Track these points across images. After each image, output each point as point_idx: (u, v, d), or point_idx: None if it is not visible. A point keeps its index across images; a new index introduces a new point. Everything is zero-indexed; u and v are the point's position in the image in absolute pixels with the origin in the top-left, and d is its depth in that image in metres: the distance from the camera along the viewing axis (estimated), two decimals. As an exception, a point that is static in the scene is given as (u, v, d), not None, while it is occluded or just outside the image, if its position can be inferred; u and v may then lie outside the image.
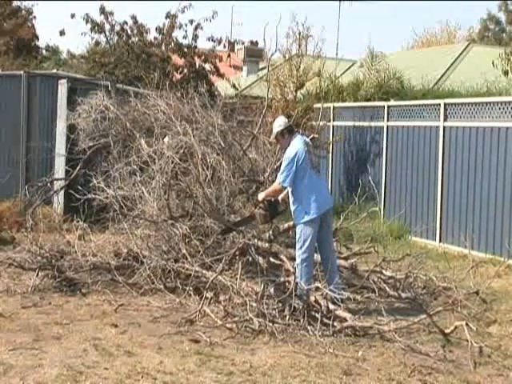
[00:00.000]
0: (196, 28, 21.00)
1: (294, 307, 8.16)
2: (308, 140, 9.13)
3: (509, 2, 48.82)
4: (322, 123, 15.66)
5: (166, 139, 13.04)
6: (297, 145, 8.76)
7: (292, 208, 8.81)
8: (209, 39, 21.66)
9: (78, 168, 13.25)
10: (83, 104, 13.14)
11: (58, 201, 14.12)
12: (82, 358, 6.85)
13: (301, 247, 8.67)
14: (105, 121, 12.77)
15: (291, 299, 8.16)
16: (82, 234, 10.97)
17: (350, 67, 26.37)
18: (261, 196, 9.11)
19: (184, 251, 9.61)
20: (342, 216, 11.16)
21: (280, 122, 9.00)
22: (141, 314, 8.52)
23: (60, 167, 14.26)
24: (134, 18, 21.26)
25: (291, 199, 8.80)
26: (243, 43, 27.95)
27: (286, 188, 8.79)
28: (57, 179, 14.17)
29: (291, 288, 8.22)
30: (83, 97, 13.81)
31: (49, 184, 13.94)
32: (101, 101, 13.00)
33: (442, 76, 22.55)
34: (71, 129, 13.57)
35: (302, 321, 7.97)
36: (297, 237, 8.78)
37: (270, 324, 7.80)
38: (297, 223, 8.79)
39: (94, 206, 11.29)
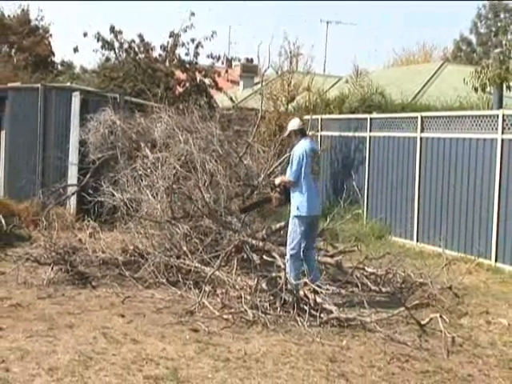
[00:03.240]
0: (197, 46, 21.00)
1: (285, 300, 8.17)
2: (317, 148, 9.08)
3: (479, 25, 48.97)
4: (311, 133, 15.68)
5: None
6: (304, 145, 8.74)
7: (291, 198, 8.81)
8: (208, 56, 21.68)
9: (88, 176, 13.30)
10: (92, 120, 13.18)
11: (71, 203, 14.14)
12: (92, 345, 6.84)
13: (290, 243, 8.66)
14: (112, 135, 12.79)
15: (282, 293, 8.16)
16: (93, 232, 10.95)
17: (336, 83, 26.39)
18: (277, 181, 9.05)
19: (185, 249, 9.62)
20: (328, 217, 11.17)
21: (295, 123, 9.03)
22: (145, 305, 8.51)
23: (73, 174, 14.28)
24: (140, 36, 21.26)
25: (291, 190, 8.79)
26: (240, 60, 28.00)
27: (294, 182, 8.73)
28: (70, 185, 14.22)
29: (282, 282, 8.22)
30: (94, 107, 13.85)
31: (61, 189, 13.99)
32: (109, 116, 13.01)
33: (419, 91, 22.59)
34: (81, 142, 13.61)
35: (291, 312, 7.98)
36: (288, 232, 8.76)
37: (263, 315, 7.80)
38: (291, 215, 8.76)
39: (104, 208, 11.29)
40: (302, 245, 8.78)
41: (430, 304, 8.67)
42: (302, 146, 8.75)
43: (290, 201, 8.96)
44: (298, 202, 8.63)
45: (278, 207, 9.65)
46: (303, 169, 8.61)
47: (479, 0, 63.33)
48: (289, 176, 8.73)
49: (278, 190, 9.01)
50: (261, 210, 11.01)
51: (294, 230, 8.65)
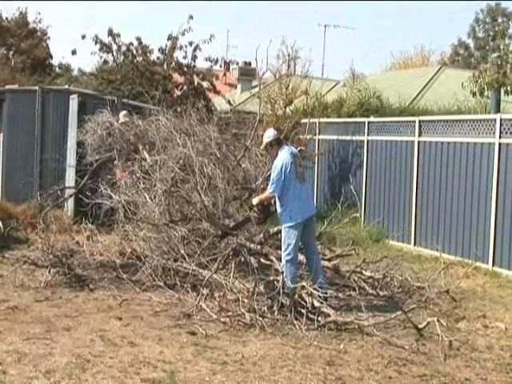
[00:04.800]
0: (195, 49, 20.96)
1: (282, 303, 8.17)
2: (296, 151, 9.08)
3: (477, 29, 49.14)
4: (308, 137, 15.71)
5: (122, 114, 13.05)
6: (284, 156, 8.73)
7: (278, 211, 8.82)
8: (206, 59, 21.61)
9: (85, 178, 13.25)
10: (90, 122, 13.15)
11: (69, 205, 14.12)
12: (89, 347, 6.84)
13: (285, 249, 8.66)
14: (110, 137, 12.76)
15: (279, 296, 8.16)
16: (90, 235, 10.96)
17: (334, 86, 26.42)
18: (255, 201, 9.11)
19: (182, 252, 9.62)
20: (326, 221, 11.18)
21: (269, 134, 8.98)
22: (143, 308, 8.51)
23: (70, 177, 14.26)
24: (138, 39, 21.20)
25: (278, 204, 8.79)
26: (237, 63, 27.96)
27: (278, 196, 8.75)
28: (67, 187, 14.18)
29: (279, 286, 8.23)
30: (92, 110, 13.83)
31: (59, 191, 13.93)
32: (106, 118, 12.99)
33: (417, 95, 22.66)
34: (79, 144, 13.59)
35: (289, 316, 7.98)
36: (282, 240, 8.78)
37: (261, 318, 7.81)
38: (282, 226, 8.79)
39: (102, 210, 11.29)
40: (305, 249, 8.81)
41: (428, 308, 8.67)
42: (281, 158, 8.74)
43: (268, 217, 9.15)
44: (289, 211, 8.64)
45: (259, 225, 9.73)
46: (288, 179, 8.61)
47: (478, 0, 63.58)
48: (270, 190, 8.75)
49: (255, 209, 9.09)
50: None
51: (288, 236, 8.65)
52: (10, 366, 6.23)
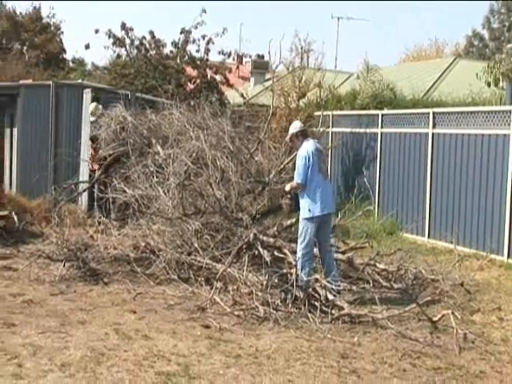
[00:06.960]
0: (208, 42, 20.96)
1: (296, 296, 8.17)
2: (320, 147, 9.15)
3: (491, 20, 48.74)
4: (322, 129, 15.68)
5: (92, 106, 13.06)
6: (308, 147, 8.82)
7: (300, 201, 8.84)
8: (219, 53, 21.62)
9: (99, 172, 13.27)
10: (104, 116, 13.17)
11: (83, 200, 14.17)
12: (103, 341, 6.87)
13: (301, 242, 8.69)
14: (123, 131, 12.78)
15: (293, 289, 8.16)
16: (104, 228, 10.99)
17: (347, 79, 26.29)
18: (287, 187, 9.15)
19: (196, 245, 9.64)
20: (339, 214, 11.15)
21: (296, 125, 9.11)
22: (157, 301, 8.54)
23: (84, 171, 14.30)
24: (151, 33, 21.23)
25: (300, 193, 8.83)
26: (250, 56, 27.90)
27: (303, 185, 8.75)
28: (81, 182, 14.23)
29: (293, 279, 8.23)
30: (106, 104, 13.87)
31: (73, 186, 13.94)
32: (120, 112, 13.00)
33: (431, 87, 22.49)
34: (93, 138, 13.64)
35: (303, 309, 7.98)
36: (299, 232, 8.79)
37: (274, 312, 7.82)
38: (300, 218, 8.80)
39: (115, 205, 11.32)
40: (319, 246, 8.82)
41: (442, 300, 8.66)
42: (305, 148, 8.82)
43: (299, 206, 9.02)
44: (309, 203, 8.66)
45: (289, 213, 9.78)
46: (310, 169, 8.64)
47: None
48: (297, 179, 8.77)
49: (288, 196, 9.14)
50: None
51: (305, 230, 8.67)
52: (26, 359, 6.27)
